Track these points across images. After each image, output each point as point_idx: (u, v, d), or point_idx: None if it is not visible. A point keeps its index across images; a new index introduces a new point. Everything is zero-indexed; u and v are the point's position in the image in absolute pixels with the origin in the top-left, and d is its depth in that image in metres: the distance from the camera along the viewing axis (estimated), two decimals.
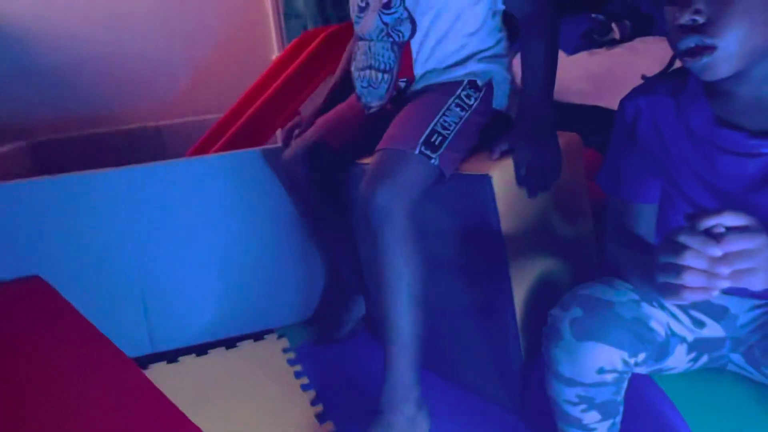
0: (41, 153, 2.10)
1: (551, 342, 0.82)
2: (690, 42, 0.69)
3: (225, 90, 2.34)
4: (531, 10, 1.15)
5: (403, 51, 1.20)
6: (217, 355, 1.52)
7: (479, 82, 1.19)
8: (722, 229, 0.60)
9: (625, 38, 2.10)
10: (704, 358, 0.87)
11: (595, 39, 2.02)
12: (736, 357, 0.87)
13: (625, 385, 0.84)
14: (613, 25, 2.11)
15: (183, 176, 1.48)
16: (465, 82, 1.18)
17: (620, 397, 0.85)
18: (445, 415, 1.19)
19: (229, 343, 1.55)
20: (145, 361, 1.49)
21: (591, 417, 0.85)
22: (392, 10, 1.18)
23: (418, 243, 1.09)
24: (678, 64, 0.82)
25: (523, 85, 1.16)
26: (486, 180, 1.09)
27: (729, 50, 0.68)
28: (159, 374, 1.43)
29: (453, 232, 1.20)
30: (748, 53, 0.70)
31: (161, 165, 1.48)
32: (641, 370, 0.86)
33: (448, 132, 1.13)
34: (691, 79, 0.80)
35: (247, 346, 1.55)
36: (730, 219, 0.60)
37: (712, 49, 0.69)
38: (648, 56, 1.84)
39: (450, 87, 1.18)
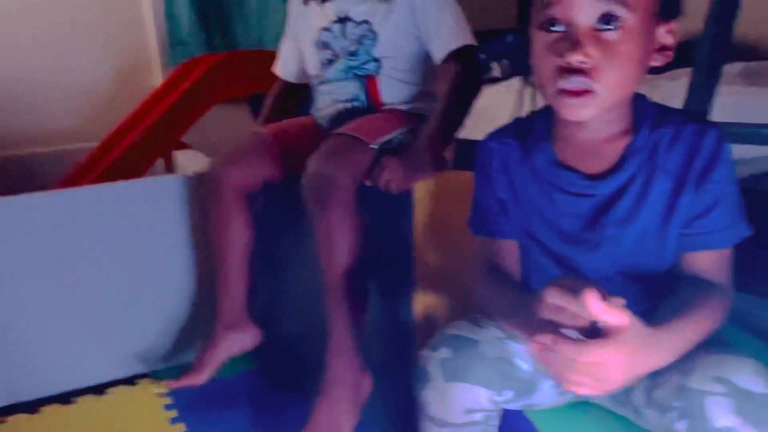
0: None
1: (422, 383, 0.82)
2: (576, 83, 0.72)
3: (101, 118, 2.22)
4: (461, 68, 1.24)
5: (371, 84, 1.31)
6: (84, 403, 1.41)
7: None
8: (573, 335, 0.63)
9: (504, 76, 2.21)
10: (571, 392, 0.90)
11: None
12: None
13: (495, 422, 0.85)
14: (494, 63, 2.22)
15: (49, 210, 1.37)
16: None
17: None
18: None
19: (99, 390, 1.45)
20: (2, 412, 1.36)
21: None
22: (357, 58, 1.31)
23: (358, 225, 1.12)
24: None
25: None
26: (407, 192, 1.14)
27: (603, 96, 0.73)
28: (17, 428, 1.31)
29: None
30: (613, 101, 0.75)
31: (23, 198, 1.36)
32: (511, 406, 0.87)
33: (400, 147, 1.22)
34: (538, 124, 0.87)
35: (118, 392, 1.45)
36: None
37: (592, 93, 0.73)
38: (526, 94, 1.94)
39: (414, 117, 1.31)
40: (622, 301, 0.61)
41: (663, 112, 0.81)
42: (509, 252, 0.90)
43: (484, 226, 0.91)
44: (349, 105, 1.34)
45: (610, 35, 0.71)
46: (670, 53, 0.77)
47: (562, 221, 0.84)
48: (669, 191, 0.78)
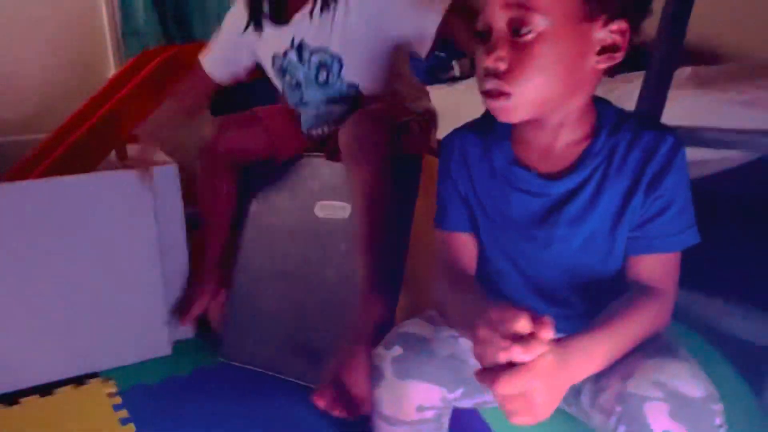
0: None
1: (375, 381, 0.81)
2: (490, 85, 0.75)
3: (53, 109, 2.15)
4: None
5: (356, 100, 1.35)
6: (29, 404, 1.35)
7: None
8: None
9: (465, 75, 2.23)
10: None
11: (437, 76, 2.13)
12: None
13: (446, 420, 0.85)
14: (454, 62, 2.23)
15: None
16: None
17: None
18: None
19: (45, 390, 1.40)
20: None
21: None
22: (330, 85, 1.33)
23: (388, 185, 1.18)
24: None
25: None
26: (417, 159, 1.28)
27: (522, 98, 0.75)
28: None
29: None
30: (541, 103, 0.76)
31: None
32: (464, 403, 0.87)
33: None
34: (500, 123, 0.86)
35: (65, 392, 1.40)
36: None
37: (507, 95, 0.74)
38: None
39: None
40: (550, 326, 0.62)
41: (623, 117, 0.82)
42: (467, 246, 0.90)
43: (444, 219, 0.92)
44: (340, 121, 1.33)
45: (526, 39, 0.72)
46: (617, 55, 0.75)
47: (516, 219, 0.85)
48: (622, 195, 0.79)
